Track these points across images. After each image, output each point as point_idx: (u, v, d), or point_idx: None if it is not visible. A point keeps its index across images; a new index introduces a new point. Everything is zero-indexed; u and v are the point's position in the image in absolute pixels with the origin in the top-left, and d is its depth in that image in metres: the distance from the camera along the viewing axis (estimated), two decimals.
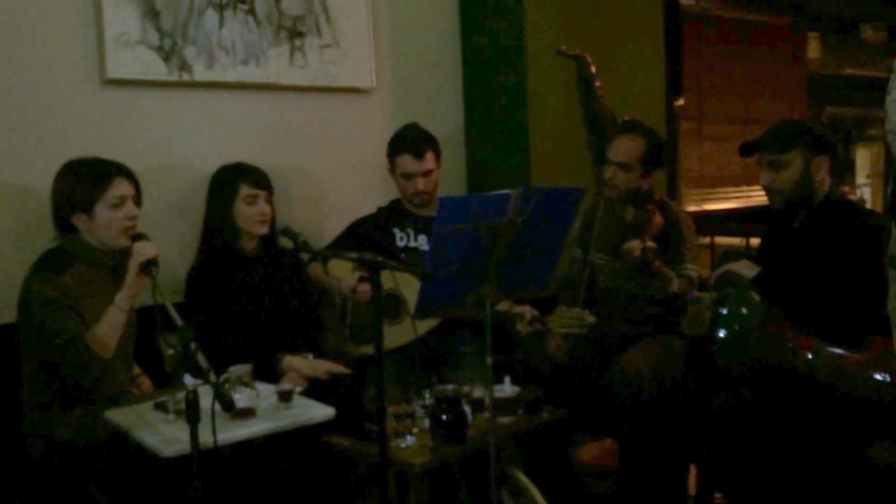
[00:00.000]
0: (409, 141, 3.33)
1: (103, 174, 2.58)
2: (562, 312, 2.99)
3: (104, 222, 2.56)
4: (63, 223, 2.60)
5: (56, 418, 2.52)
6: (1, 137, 2.84)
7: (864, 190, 7.89)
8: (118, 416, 2.35)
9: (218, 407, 2.01)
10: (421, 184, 3.31)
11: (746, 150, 2.85)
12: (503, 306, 3.21)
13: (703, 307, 2.80)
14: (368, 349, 3.14)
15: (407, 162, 3.31)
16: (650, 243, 2.94)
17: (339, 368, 2.98)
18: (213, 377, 2.02)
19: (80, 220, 2.57)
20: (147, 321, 2.53)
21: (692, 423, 2.88)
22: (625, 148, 3.21)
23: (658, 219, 3.12)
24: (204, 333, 2.61)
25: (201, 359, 2.05)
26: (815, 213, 2.76)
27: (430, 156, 3.32)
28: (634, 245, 2.93)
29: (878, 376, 2.47)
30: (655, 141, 3.27)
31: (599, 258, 3.25)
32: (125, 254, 2.53)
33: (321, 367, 2.95)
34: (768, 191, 2.81)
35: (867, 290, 2.58)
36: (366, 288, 3.11)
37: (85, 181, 2.57)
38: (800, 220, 2.80)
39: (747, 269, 2.80)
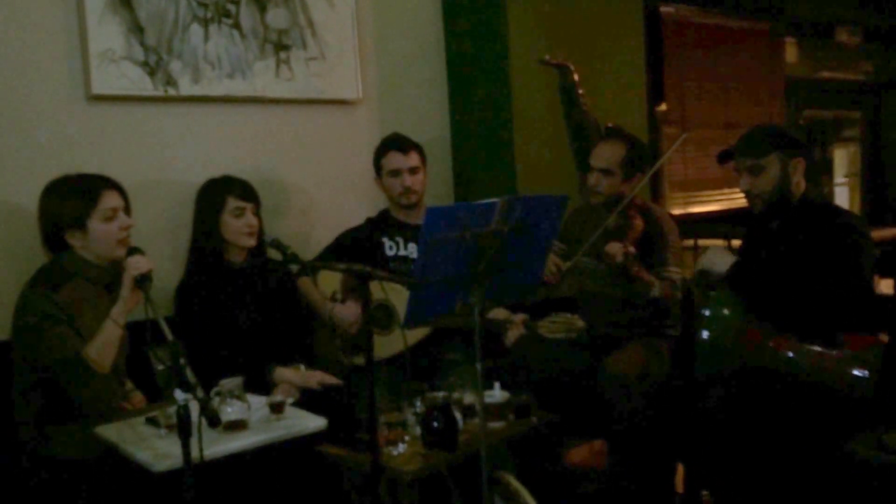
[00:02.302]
0: (394, 140, 3.39)
1: (92, 188, 2.59)
2: (551, 318, 3.02)
3: (99, 236, 2.57)
4: (55, 242, 2.60)
5: (49, 434, 2.52)
6: None
7: (843, 189, 7.97)
8: (110, 431, 2.35)
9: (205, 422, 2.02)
10: (408, 179, 3.33)
11: (724, 157, 2.91)
12: (498, 314, 3.24)
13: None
14: (360, 359, 3.16)
15: (393, 158, 3.34)
16: (630, 248, 2.98)
17: (331, 379, 3.00)
18: (200, 392, 2.02)
19: (73, 237, 2.57)
20: (139, 336, 2.54)
21: (678, 422, 2.92)
22: (606, 154, 3.27)
23: (639, 223, 3.17)
24: (197, 340, 2.64)
25: (189, 374, 2.06)
26: (792, 214, 2.81)
27: (414, 154, 3.36)
28: (615, 249, 2.98)
29: (856, 372, 2.53)
30: (636, 146, 3.32)
31: (584, 262, 3.29)
32: (120, 269, 2.54)
33: (313, 377, 2.97)
34: (748, 195, 2.86)
35: (844, 288, 2.64)
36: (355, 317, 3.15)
37: (74, 197, 2.58)
38: (778, 221, 2.85)
39: (723, 260, 2.84)
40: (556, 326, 3.00)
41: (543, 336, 3.02)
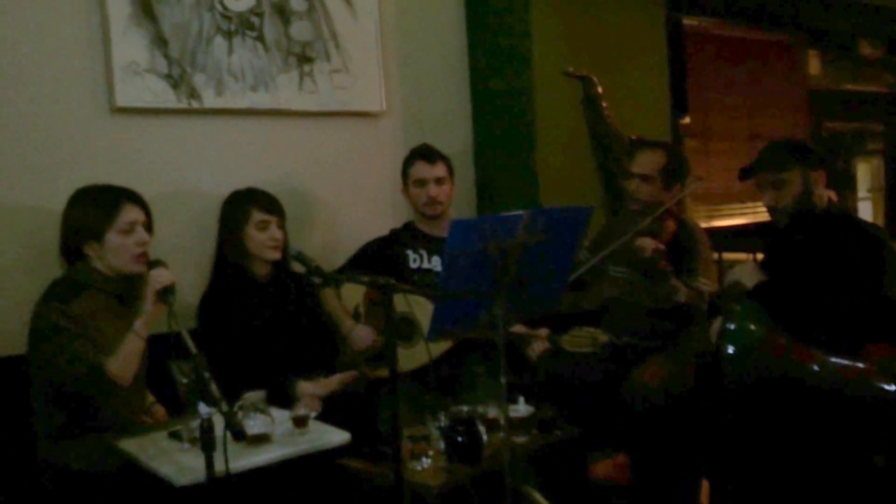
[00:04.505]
0: (422, 150, 3.40)
1: (112, 201, 2.58)
2: (574, 332, 3.00)
3: (115, 249, 2.56)
4: (73, 252, 2.59)
5: (68, 448, 2.51)
6: (11, 167, 2.86)
7: (866, 203, 7.91)
8: (132, 445, 2.34)
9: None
10: (433, 190, 3.32)
11: (745, 174, 2.91)
12: (519, 329, 3.23)
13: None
14: (383, 371, 3.14)
15: (419, 168, 3.34)
16: (661, 245, 2.98)
17: (349, 376, 2.98)
18: (225, 406, 2.01)
19: (91, 248, 2.57)
20: (160, 349, 2.54)
21: (703, 436, 2.89)
22: (647, 160, 3.28)
23: (671, 225, 3.18)
24: (219, 353, 2.63)
25: (214, 388, 2.05)
26: (815, 227, 2.79)
27: (441, 165, 3.36)
28: (647, 243, 2.97)
29: (883, 385, 2.50)
30: (675, 155, 3.34)
31: (616, 270, 3.28)
32: (134, 280, 2.53)
33: (333, 381, 2.96)
34: (772, 210, 2.86)
35: (867, 299, 2.61)
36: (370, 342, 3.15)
37: (94, 208, 2.57)
38: (801, 233, 2.83)
39: (751, 276, 2.82)
40: (580, 340, 2.98)
41: (566, 350, 3.00)
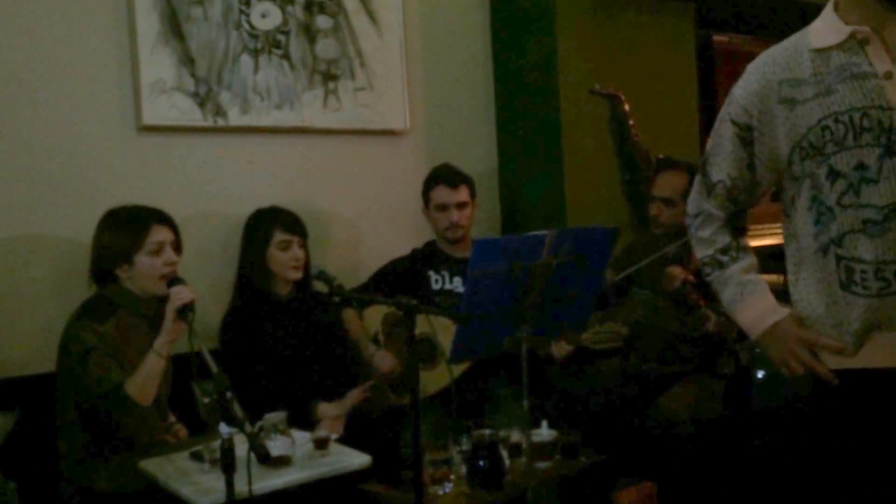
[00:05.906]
0: (444, 173, 3.36)
1: (140, 222, 2.58)
2: (596, 329, 2.96)
3: (144, 270, 2.56)
4: (103, 274, 2.60)
5: (93, 468, 2.50)
6: (38, 186, 2.86)
7: None
8: (153, 465, 2.33)
9: (253, 457, 1.99)
10: (455, 215, 3.30)
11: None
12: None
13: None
14: (407, 398, 3.11)
15: (441, 193, 3.32)
16: (689, 276, 2.92)
17: (367, 387, 2.97)
18: (248, 427, 1.99)
19: (121, 269, 2.57)
20: (182, 368, 2.52)
21: (732, 464, 2.84)
22: (669, 184, 3.23)
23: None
24: (241, 373, 2.61)
25: (237, 408, 2.02)
26: None
27: (464, 188, 3.33)
28: (676, 272, 2.92)
29: None
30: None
31: (640, 293, 3.23)
32: (165, 302, 2.52)
33: (350, 398, 2.94)
34: None
35: None
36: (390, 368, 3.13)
37: (124, 230, 2.57)
38: None
39: None
40: (601, 336, 2.94)
41: (591, 348, 2.96)
